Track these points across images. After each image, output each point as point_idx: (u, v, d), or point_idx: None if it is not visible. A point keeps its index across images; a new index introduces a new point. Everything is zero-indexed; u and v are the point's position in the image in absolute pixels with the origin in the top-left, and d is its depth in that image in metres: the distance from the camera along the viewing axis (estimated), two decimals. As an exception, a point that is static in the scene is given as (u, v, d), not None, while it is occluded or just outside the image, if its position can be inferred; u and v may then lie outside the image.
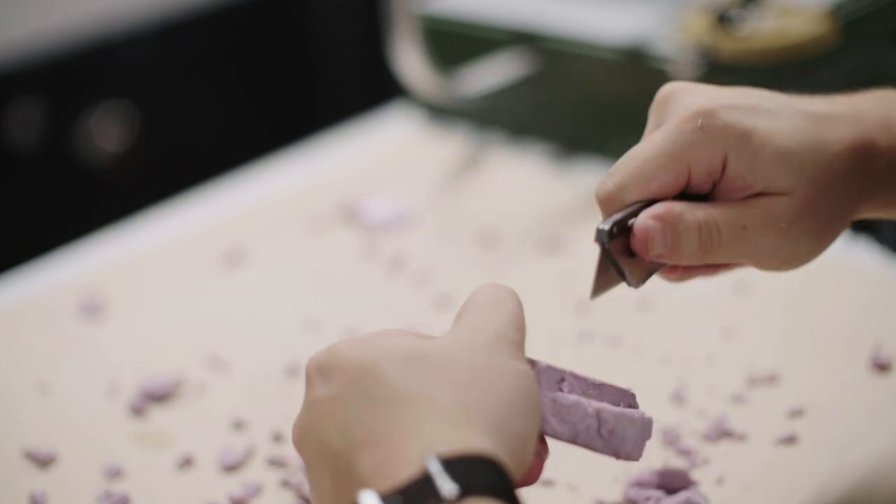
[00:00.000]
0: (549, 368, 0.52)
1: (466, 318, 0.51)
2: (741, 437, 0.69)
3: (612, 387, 0.54)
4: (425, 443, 0.45)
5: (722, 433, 0.69)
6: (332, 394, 0.49)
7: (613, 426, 0.52)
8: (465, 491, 0.44)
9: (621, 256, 0.56)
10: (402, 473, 0.45)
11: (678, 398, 0.73)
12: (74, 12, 1.68)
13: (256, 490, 0.69)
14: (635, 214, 0.56)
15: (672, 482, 0.64)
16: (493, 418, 0.47)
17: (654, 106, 0.60)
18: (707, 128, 0.56)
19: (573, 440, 0.52)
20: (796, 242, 0.57)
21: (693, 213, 0.56)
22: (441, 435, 0.46)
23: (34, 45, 1.64)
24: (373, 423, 0.47)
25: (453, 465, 0.44)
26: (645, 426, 0.53)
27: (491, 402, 0.47)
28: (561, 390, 0.53)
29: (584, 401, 0.52)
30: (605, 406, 0.52)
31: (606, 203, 0.57)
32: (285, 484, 0.69)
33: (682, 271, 0.60)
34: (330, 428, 0.48)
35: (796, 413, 0.69)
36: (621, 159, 0.58)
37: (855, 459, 0.65)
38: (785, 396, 0.71)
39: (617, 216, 0.56)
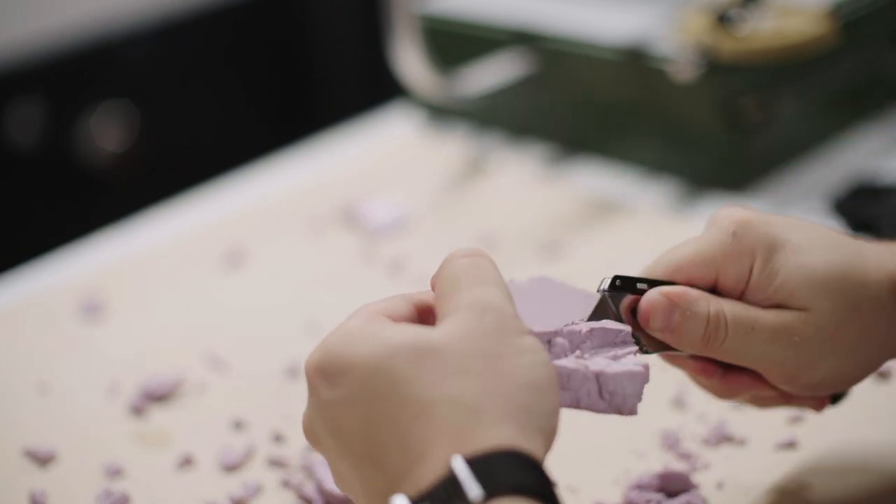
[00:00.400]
0: (541, 332, 0.53)
1: (457, 296, 0.50)
2: (741, 442, 0.69)
3: (601, 328, 0.54)
4: (452, 442, 0.46)
5: (722, 437, 0.69)
6: (345, 397, 0.48)
7: (614, 387, 0.52)
8: (492, 492, 0.44)
9: (627, 314, 0.57)
10: (430, 476, 0.45)
11: (679, 402, 0.72)
12: (74, 12, 1.68)
13: (256, 490, 0.69)
14: (650, 283, 0.57)
15: (672, 485, 0.64)
16: (516, 403, 0.47)
17: (707, 222, 0.61)
18: (739, 236, 0.57)
19: (575, 405, 0.52)
20: (810, 360, 0.57)
21: (707, 302, 0.56)
22: (467, 432, 0.46)
23: (34, 45, 1.64)
24: (396, 426, 0.47)
25: (480, 465, 0.45)
26: (643, 377, 0.53)
27: (512, 388, 0.47)
28: (554, 352, 0.53)
29: (583, 366, 0.52)
30: (604, 369, 0.52)
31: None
32: (285, 484, 0.69)
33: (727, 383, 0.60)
34: (351, 432, 0.48)
35: (796, 418, 0.69)
36: (658, 256, 0.59)
37: (854, 465, 0.65)
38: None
39: (629, 274, 0.57)
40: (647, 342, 0.57)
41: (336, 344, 0.49)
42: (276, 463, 0.71)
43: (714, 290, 0.58)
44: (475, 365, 0.47)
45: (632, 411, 0.53)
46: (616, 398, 0.53)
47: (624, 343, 0.54)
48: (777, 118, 0.99)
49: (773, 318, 0.56)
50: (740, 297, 0.57)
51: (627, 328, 0.55)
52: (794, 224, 0.58)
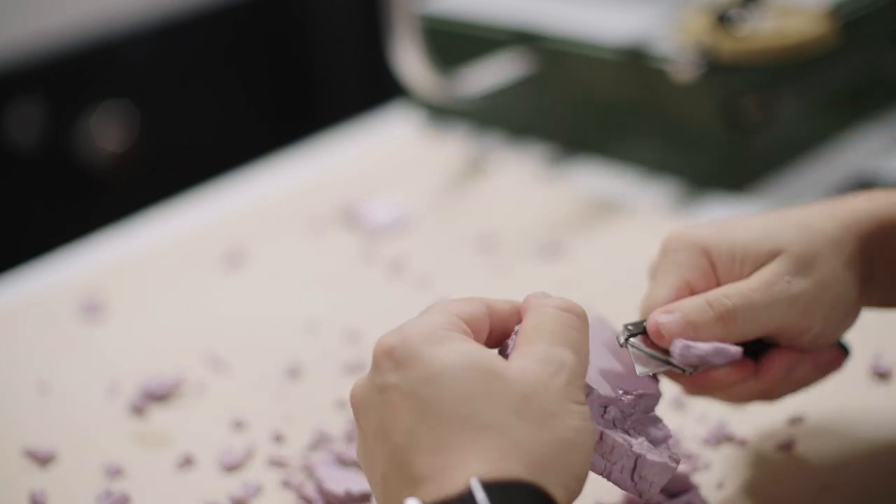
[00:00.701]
0: (599, 396, 0.55)
1: (540, 345, 0.52)
2: (741, 442, 0.68)
3: (647, 395, 0.57)
4: (482, 465, 0.47)
5: (722, 437, 0.69)
6: (404, 388, 0.50)
7: (646, 473, 0.55)
8: None
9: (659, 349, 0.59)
10: (450, 489, 0.47)
11: (679, 403, 0.72)
12: (74, 12, 1.68)
13: (256, 490, 0.69)
14: None
15: (672, 485, 0.64)
16: (552, 457, 0.49)
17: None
18: (671, 245, 0.61)
19: (604, 474, 0.55)
20: (813, 295, 0.59)
21: (698, 299, 0.58)
22: (500, 462, 0.48)
23: (34, 45, 1.64)
24: (440, 431, 0.49)
25: (498, 492, 0.46)
26: (672, 472, 0.55)
27: (554, 443, 0.49)
28: (607, 419, 0.55)
29: (628, 443, 0.54)
30: (644, 454, 0.54)
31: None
32: (285, 484, 0.69)
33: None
34: (397, 421, 0.50)
35: (796, 419, 0.69)
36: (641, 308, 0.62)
37: (854, 465, 0.65)
38: (785, 402, 0.70)
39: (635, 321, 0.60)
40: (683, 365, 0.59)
41: (414, 336, 0.51)
42: (276, 463, 0.71)
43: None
44: (531, 412, 0.49)
45: (650, 500, 0.56)
46: (643, 483, 0.55)
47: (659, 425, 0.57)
48: (777, 118, 0.99)
49: (762, 274, 0.59)
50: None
51: (658, 393, 0.58)
52: (717, 221, 0.62)
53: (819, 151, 1.03)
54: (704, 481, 0.65)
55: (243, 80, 1.94)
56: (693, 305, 0.58)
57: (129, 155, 1.76)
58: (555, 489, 0.48)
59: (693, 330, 0.58)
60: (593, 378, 0.55)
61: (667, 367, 0.59)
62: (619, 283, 0.83)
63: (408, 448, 0.49)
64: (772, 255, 0.59)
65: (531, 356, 0.51)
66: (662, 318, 0.58)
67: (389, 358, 0.51)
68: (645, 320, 0.59)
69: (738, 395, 0.62)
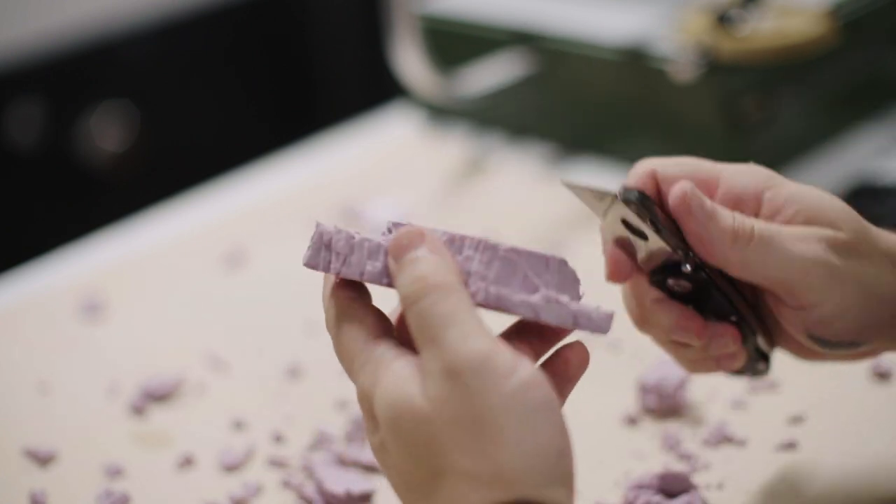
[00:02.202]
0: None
1: (427, 352, 0.48)
2: (741, 443, 0.68)
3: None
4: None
5: (722, 438, 0.69)
6: (386, 443, 0.49)
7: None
8: None
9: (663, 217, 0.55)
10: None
11: (679, 403, 0.72)
12: (74, 12, 1.68)
13: (256, 490, 0.69)
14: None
15: (672, 486, 0.64)
16: (536, 465, 0.47)
17: None
18: (754, 165, 0.57)
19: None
20: (832, 277, 0.55)
21: (726, 209, 0.55)
22: (485, 497, 0.46)
23: (34, 45, 1.64)
24: (423, 485, 0.48)
25: None
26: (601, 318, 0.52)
27: (528, 454, 0.47)
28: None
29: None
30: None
31: (637, 166, 0.58)
32: (285, 484, 0.69)
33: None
34: (428, 444, 0.48)
35: (796, 419, 0.69)
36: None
37: (854, 466, 0.65)
38: (785, 403, 0.71)
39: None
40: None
41: (367, 388, 0.50)
42: (276, 463, 0.71)
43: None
44: (472, 439, 0.47)
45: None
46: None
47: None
48: (777, 118, 0.99)
49: (800, 228, 0.55)
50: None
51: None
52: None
53: (819, 151, 1.03)
54: (704, 481, 0.65)
55: (243, 80, 1.94)
56: (721, 207, 0.55)
57: (129, 155, 1.76)
58: (544, 492, 0.47)
59: (705, 224, 0.54)
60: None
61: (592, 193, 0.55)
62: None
63: (440, 472, 0.48)
64: (828, 226, 0.55)
65: (434, 374, 0.48)
66: (689, 188, 0.54)
67: (369, 417, 0.51)
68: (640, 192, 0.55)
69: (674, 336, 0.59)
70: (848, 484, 0.64)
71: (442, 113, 1.16)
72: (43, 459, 0.73)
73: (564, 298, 0.51)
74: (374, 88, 1.61)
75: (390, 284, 0.51)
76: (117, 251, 1.00)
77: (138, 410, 0.77)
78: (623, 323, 0.77)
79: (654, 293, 0.58)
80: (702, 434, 0.70)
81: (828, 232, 0.55)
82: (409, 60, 1.04)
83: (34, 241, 1.24)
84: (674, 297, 0.58)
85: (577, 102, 1.06)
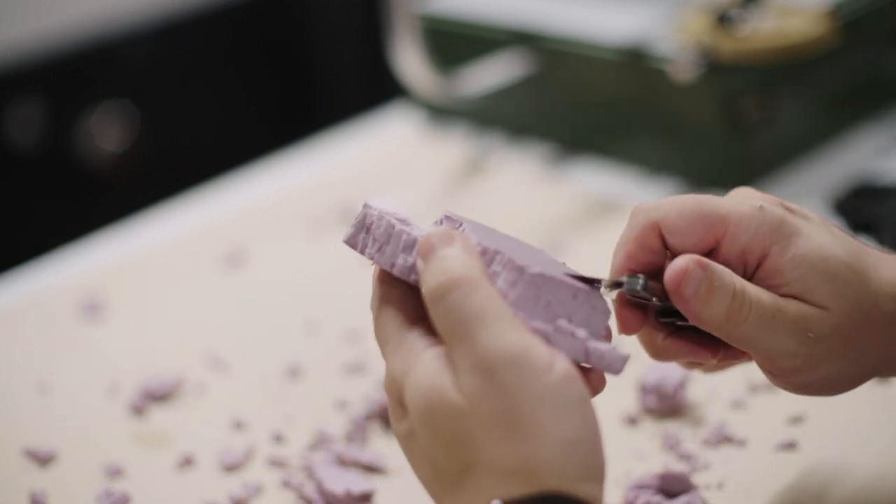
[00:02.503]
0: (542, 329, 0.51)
1: (463, 347, 0.49)
2: (741, 443, 0.68)
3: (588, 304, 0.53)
4: (500, 493, 0.47)
5: (722, 438, 0.69)
6: (416, 432, 0.49)
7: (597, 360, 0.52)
8: None
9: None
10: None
11: (678, 404, 0.72)
12: (74, 12, 1.68)
13: (256, 490, 0.69)
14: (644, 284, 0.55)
15: (672, 486, 0.64)
16: (570, 458, 0.47)
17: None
18: (766, 211, 0.55)
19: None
20: (818, 358, 0.55)
21: (731, 276, 0.54)
22: (517, 485, 0.47)
23: (34, 45, 1.64)
24: (452, 473, 0.48)
25: None
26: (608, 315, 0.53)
27: (560, 446, 0.47)
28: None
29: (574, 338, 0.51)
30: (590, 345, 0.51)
31: (634, 214, 0.57)
32: (285, 484, 0.69)
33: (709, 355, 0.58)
34: (418, 462, 0.49)
35: (796, 419, 0.69)
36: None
37: (854, 466, 0.65)
38: (785, 403, 0.70)
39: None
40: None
41: (399, 375, 0.51)
42: (276, 463, 0.71)
43: (710, 254, 0.55)
44: (509, 428, 0.47)
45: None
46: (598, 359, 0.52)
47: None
48: (777, 118, 0.99)
49: (794, 309, 0.54)
50: (749, 277, 0.55)
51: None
52: (813, 219, 0.56)
53: (819, 151, 1.03)
54: (704, 481, 0.65)
55: (243, 80, 1.94)
56: (723, 281, 0.54)
57: (129, 155, 1.76)
58: (577, 486, 0.47)
59: (705, 301, 0.53)
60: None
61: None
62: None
63: (466, 467, 0.48)
64: (820, 302, 0.54)
65: (466, 370, 0.48)
66: (692, 269, 0.53)
67: (397, 403, 0.51)
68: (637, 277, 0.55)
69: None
70: (848, 484, 0.64)
71: (442, 113, 1.16)
72: (43, 459, 0.73)
73: (581, 333, 0.51)
74: (374, 88, 1.61)
75: (417, 282, 0.51)
76: (117, 251, 1.00)
77: (138, 410, 0.77)
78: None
79: (665, 332, 0.58)
80: (702, 434, 0.70)
81: (819, 313, 0.54)
82: (409, 60, 1.04)
83: (34, 241, 1.24)
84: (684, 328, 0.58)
85: (577, 102, 1.06)
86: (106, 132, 1.73)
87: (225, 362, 0.83)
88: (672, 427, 0.70)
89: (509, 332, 0.48)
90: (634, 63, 0.99)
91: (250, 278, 0.95)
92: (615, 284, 0.55)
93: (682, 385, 0.72)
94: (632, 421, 0.72)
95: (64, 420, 0.77)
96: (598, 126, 1.06)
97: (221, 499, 0.69)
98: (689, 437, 0.69)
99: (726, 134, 0.97)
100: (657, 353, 0.59)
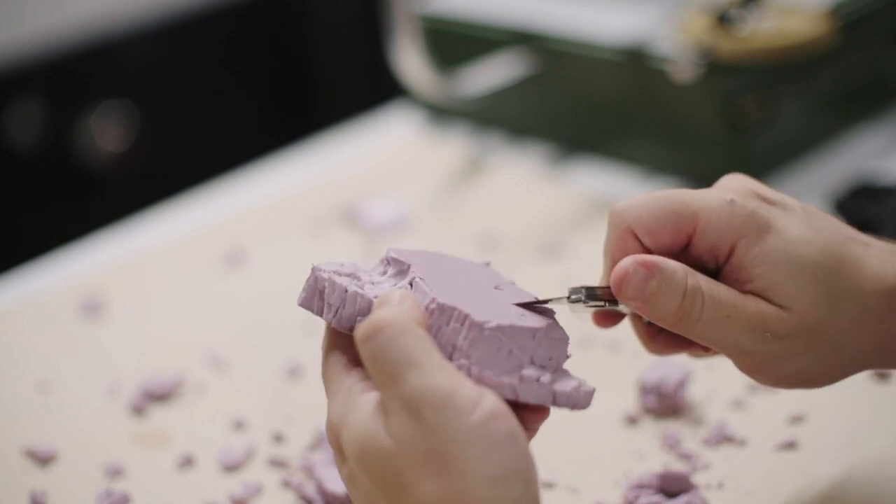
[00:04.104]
0: (497, 383, 0.51)
1: (387, 390, 0.49)
2: (741, 442, 0.68)
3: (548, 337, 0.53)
4: None
5: (722, 438, 0.69)
6: (354, 476, 0.50)
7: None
8: None
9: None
10: None
11: (678, 403, 0.72)
12: (74, 12, 1.68)
13: (256, 490, 0.69)
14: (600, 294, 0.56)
15: (672, 485, 0.64)
16: (496, 487, 0.48)
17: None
18: (736, 204, 0.55)
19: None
20: (780, 357, 0.54)
21: (685, 274, 0.54)
22: None
23: (34, 45, 1.64)
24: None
25: None
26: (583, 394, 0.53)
27: (487, 482, 0.48)
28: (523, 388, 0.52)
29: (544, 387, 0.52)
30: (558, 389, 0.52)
31: (610, 219, 0.57)
32: (285, 484, 0.69)
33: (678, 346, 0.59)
34: (394, 479, 0.48)
35: (796, 419, 0.69)
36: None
37: (855, 466, 0.65)
38: (785, 402, 0.71)
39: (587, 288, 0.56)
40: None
41: (336, 420, 0.52)
42: (276, 463, 0.71)
43: (685, 250, 0.55)
44: (436, 468, 0.47)
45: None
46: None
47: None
48: (777, 118, 0.99)
49: (752, 308, 0.53)
50: (715, 273, 0.55)
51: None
52: (794, 210, 0.55)
53: (819, 151, 1.03)
54: (704, 481, 0.65)
55: (243, 80, 1.94)
56: (673, 280, 0.53)
57: (129, 155, 1.76)
58: None
59: (651, 301, 0.53)
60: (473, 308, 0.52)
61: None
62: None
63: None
64: (783, 302, 0.54)
65: (394, 412, 0.48)
66: (637, 274, 0.53)
67: (337, 450, 0.51)
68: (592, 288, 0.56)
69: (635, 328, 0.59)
70: (848, 484, 0.64)
71: (442, 113, 1.16)
72: (43, 459, 0.73)
73: (546, 378, 0.51)
74: (374, 88, 1.61)
75: None
76: (117, 251, 1.00)
77: (138, 410, 0.77)
78: (624, 321, 0.77)
79: (654, 330, 0.58)
80: (702, 434, 0.70)
81: (779, 314, 0.53)
82: (409, 60, 1.04)
83: (34, 241, 1.24)
84: None
85: (577, 102, 1.06)
86: (106, 132, 1.73)
87: (225, 362, 0.83)
88: (672, 427, 0.70)
89: (436, 374, 0.48)
90: (634, 63, 0.99)
91: (250, 278, 0.95)
92: (566, 298, 0.56)
93: (682, 385, 0.72)
94: (632, 421, 0.72)
95: (64, 420, 0.77)
96: (598, 126, 1.06)
97: (221, 499, 0.69)
98: (689, 436, 0.69)
99: (726, 134, 0.97)
100: (653, 349, 0.59)
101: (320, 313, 0.54)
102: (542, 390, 0.51)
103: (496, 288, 0.56)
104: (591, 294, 0.56)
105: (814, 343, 0.54)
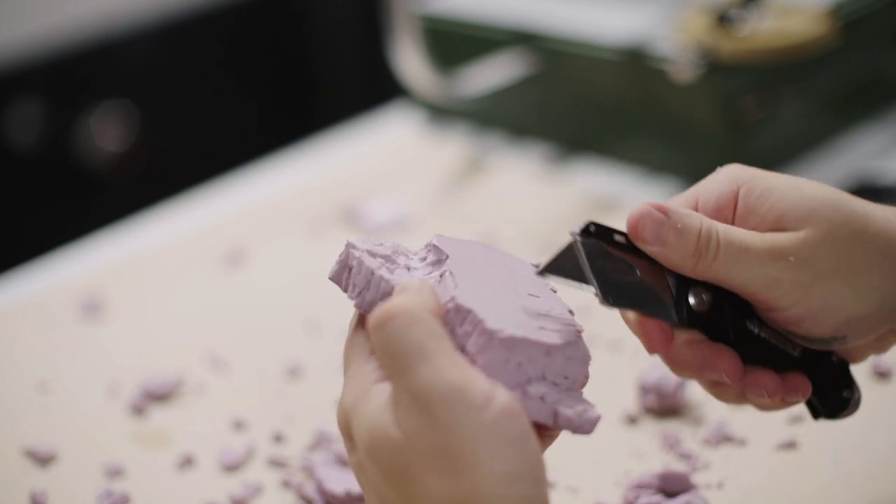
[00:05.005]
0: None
1: (398, 381, 0.49)
2: (741, 442, 0.69)
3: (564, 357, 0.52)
4: None
5: (722, 438, 0.69)
6: (364, 465, 0.49)
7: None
8: None
9: (599, 260, 0.53)
10: None
11: (678, 403, 0.72)
12: (74, 12, 1.68)
13: (256, 490, 0.69)
14: (627, 236, 0.54)
15: (672, 485, 0.64)
16: (507, 487, 0.47)
17: None
18: (725, 170, 0.56)
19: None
20: (808, 280, 0.53)
21: (700, 217, 0.54)
22: None
23: (34, 45, 1.64)
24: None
25: None
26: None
27: (501, 479, 0.47)
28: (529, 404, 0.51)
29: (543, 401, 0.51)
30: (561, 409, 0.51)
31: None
32: (285, 484, 0.69)
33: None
34: (403, 472, 0.48)
35: (796, 419, 0.69)
36: None
37: (854, 465, 0.65)
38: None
39: (604, 224, 0.54)
40: (602, 286, 0.53)
41: (347, 405, 0.51)
42: (276, 463, 0.71)
43: None
44: (445, 466, 0.47)
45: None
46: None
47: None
48: (777, 118, 0.99)
49: (769, 238, 0.53)
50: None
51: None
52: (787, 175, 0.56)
53: (819, 151, 1.03)
54: (704, 481, 0.66)
55: (243, 80, 1.94)
56: (688, 222, 0.53)
57: (129, 155, 1.76)
58: None
59: (667, 242, 0.53)
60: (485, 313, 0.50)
61: (578, 282, 0.53)
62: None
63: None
64: (797, 226, 0.53)
65: (404, 405, 0.48)
66: (653, 213, 0.53)
67: (346, 437, 0.51)
68: (614, 232, 0.54)
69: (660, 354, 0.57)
70: (848, 484, 0.64)
71: (442, 113, 1.16)
72: (43, 459, 0.73)
73: (552, 396, 0.51)
74: (374, 88, 1.61)
75: None
76: (117, 251, 1.00)
77: (138, 410, 0.77)
78: (623, 323, 0.77)
79: (684, 335, 0.56)
80: (702, 434, 0.70)
81: (794, 237, 0.53)
82: (409, 60, 1.04)
83: (34, 241, 1.24)
84: (714, 338, 0.56)
85: (577, 102, 1.06)
86: (106, 132, 1.73)
87: (225, 362, 0.83)
88: (672, 427, 0.70)
89: (448, 368, 0.48)
90: (634, 63, 0.99)
91: (250, 278, 0.95)
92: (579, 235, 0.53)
93: (681, 384, 0.72)
94: (632, 421, 0.72)
95: (64, 420, 0.77)
96: (598, 126, 1.06)
97: (221, 499, 0.69)
98: (689, 436, 0.70)
99: (726, 134, 0.97)
100: (677, 367, 0.57)
101: (345, 290, 0.53)
102: (545, 409, 0.50)
103: (530, 294, 0.54)
104: (602, 230, 0.54)
105: (841, 263, 0.53)
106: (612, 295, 0.53)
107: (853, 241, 0.53)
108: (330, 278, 0.54)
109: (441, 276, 0.53)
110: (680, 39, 0.96)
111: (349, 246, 0.53)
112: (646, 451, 0.69)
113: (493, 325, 0.50)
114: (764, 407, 0.57)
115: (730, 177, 0.55)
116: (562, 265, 0.53)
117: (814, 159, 1.02)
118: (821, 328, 0.54)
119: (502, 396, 0.47)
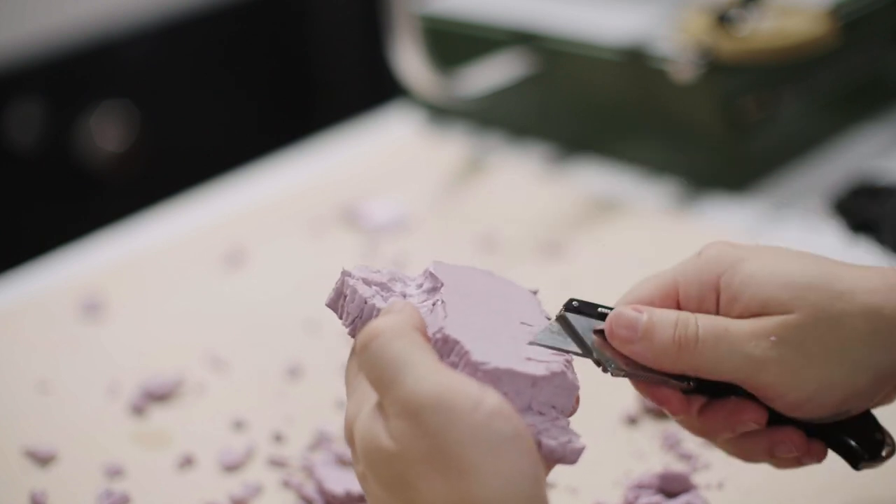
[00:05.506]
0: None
1: (385, 396, 0.49)
2: (742, 440, 0.68)
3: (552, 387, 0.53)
4: None
5: (722, 435, 0.69)
6: (366, 475, 0.50)
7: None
8: None
9: (597, 337, 0.55)
10: None
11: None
12: (74, 12, 1.68)
13: (256, 490, 0.69)
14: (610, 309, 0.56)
15: (672, 486, 0.64)
16: (506, 488, 0.47)
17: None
18: (704, 254, 0.56)
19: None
20: (795, 363, 0.53)
21: (672, 310, 0.54)
22: None
23: (34, 45, 1.64)
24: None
25: None
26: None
27: (500, 480, 0.47)
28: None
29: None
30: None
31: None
32: (285, 484, 0.69)
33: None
34: (399, 480, 0.48)
35: (796, 415, 0.69)
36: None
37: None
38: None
39: (588, 300, 0.56)
40: (618, 363, 0.55)
41: (351, 418, 0.51)
42: (276, 463, 0.71)
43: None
44: (445, 467, 0.47)
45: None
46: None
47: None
48: (777, 118, 0.99)
49: (749, 322, 0.53)
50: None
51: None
52: (766, 247, 0.56)
53: (819, 151, 1.03)
54: (704, 481, 0.65)
55: (243, 80, 1.94)
56: (663, 316, 0.54)
57: (129, 155, 1.76)
58: None
59: (647, 341, 0.54)
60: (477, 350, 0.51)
61: (576, 352, 0.54)
62: (620, 283, 0.83)
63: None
64: (781, 311, 0.53)
65: (393, 415, 0.48)
66: (626, 313, 0.54)
67: (352, 448, 0.51)
68: (598, 307, 0.56)
69: (675, 417, 0.57)
70: (848, 484, 0.64)
71: (442, 113, 1.16)
72: (43, 459, 0.73)
73: (539, 425, 0.51)
74: (374, 88, 1.61)
75: None
76: (117, 251, 1.00)
77: (138, 410, 0.77)
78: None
79: (698, 402, 0.56)
80: (702, 434, 0.69)
81: (778, 320, 0.53)
82: (409, 60, 1.04)
83: (34, 241, 1.24)
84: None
85: (577, 102, 1.06)
86: (106, 132, 1.73)
87: (225, 362, 0.83)
88: (672, 427, 0.70)
89: (433, 375, 0.48)
90: (634, 63, 0.99)
91: (250, 278, 0.95)
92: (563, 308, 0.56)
93: (682, 385, 0.72)
94: (632, 421, 0.72)
95: (64, 420, 0.77)
96: (598, 126, 1.06)
97: (221, 499, 0.69)
98: (690, 436, 0.69)
99: (726, 134, 0.97)
100: (700, 433, 0.57)
101: (341, 317, 0.54)
102: None
103: (523, 323, 0.54)
104: (585, 306, 0.55)
105: (825, 342, 0.53)
106: (614, 366, 0.55)
107: (839, 320, 0.53)
108: (327, 305, 0.55)
109: (433, 304, 0.54)
110: (680, 39, 0.96)
111: (344, 274, 0.54)
112: (646, 452, 0.69)
113: (478, 357, 0.50)
114: (784, 465, 0.57)
115: (710, 263, 0.55)
116: (554, 339, 0.54)
117: (814, 159, 1.02)
118: (822, 409, 0.54)
119: (492, 398, 0.48)
